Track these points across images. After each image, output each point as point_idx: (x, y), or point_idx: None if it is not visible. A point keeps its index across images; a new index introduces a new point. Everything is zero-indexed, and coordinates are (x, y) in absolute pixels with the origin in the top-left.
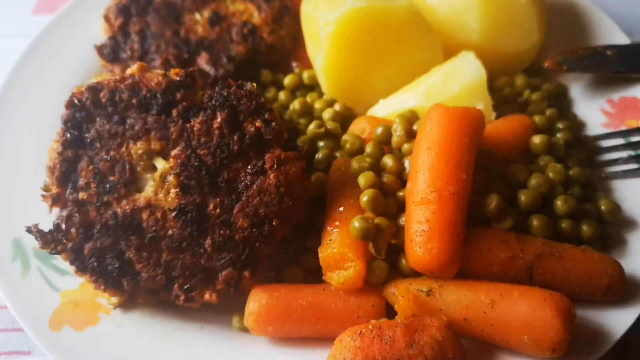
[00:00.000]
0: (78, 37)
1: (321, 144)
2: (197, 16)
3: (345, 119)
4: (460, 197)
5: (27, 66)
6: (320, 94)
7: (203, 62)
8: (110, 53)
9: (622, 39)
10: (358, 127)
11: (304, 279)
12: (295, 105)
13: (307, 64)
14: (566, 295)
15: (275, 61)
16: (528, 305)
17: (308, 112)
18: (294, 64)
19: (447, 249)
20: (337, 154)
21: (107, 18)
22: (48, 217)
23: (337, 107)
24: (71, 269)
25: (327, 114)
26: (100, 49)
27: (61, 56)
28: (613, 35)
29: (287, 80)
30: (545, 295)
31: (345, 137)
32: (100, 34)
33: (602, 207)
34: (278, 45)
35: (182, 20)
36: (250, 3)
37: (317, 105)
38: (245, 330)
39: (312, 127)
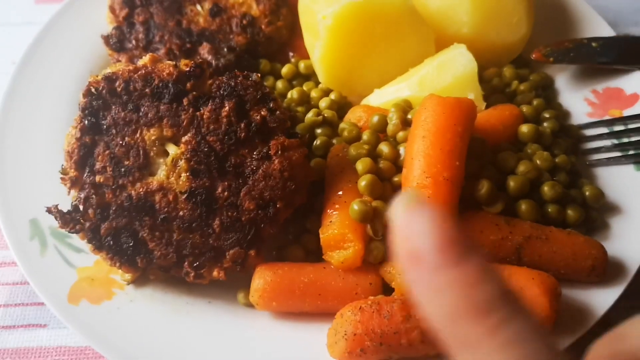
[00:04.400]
0: (85, 26)
1: (319, 131)
2: (199, 7)
3: (341, 107)
4: (454, 183)
5: (38, 53)
6: (317, 83)
7: (205, 52)
8: (117, 43)
9: (607, 31)
10: (354, 115)
11: (304, 258)
12: (294, 94)
13: (303, 54)
14: (552, 275)
15: (273, 51)
16: (517, 283)
17: (305, 101)
18: (291, 54)
19: None
20: (334, 141)
21: (112, 9)
22: (63, 199)
23: (333, 96)
24: (86, 247)
25: (323, 103)
26: (107, 39)
27: (70, 44)
28: (598, 27)
29: (285, 69)
30: (533, 275)
31: (342, 125)
32: (104, 23)
33: (587, 193)
34: (276, 36)
35: (184, 12)
36: None
37: (314, 94)
38: (249, 305)
39: (310, 115)
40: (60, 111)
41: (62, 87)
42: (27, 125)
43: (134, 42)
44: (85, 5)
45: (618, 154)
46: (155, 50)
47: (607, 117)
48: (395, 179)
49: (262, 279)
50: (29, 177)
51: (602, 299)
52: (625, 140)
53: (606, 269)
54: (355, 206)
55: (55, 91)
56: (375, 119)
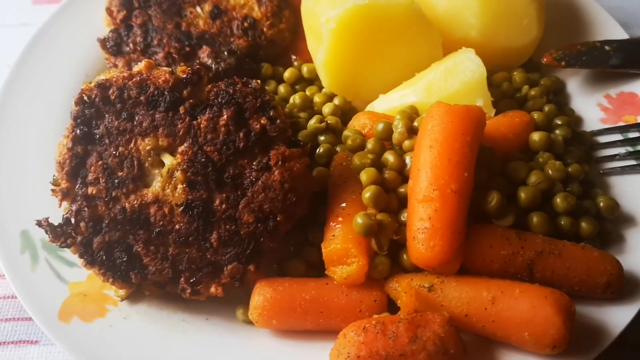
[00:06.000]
0: (81, 29)
1: (322, 138)
2: (198, 10)
3: (345, 113)
4: (462, 195)
5: (32, 57)
6: (320, 88)
7: (204, 55)
8: (114, 46)
9: (621, 34)
10: (359, 122)
11: (305, 272)
12: (296, 99)
13: (306, 58)
14: (565, 292)
15: (275, 54)
16: (529, 302)
17: (308, 106)
18: (293, 58)
19: (449, 246)
20: (338, 149)
21: (109, 11)
22: (55, 210)
23: (336, 101)
24: (79, 261)
25: (327, 109)
26: (103, 42)
27: (65, 48)
28: (611, 30)
29: (287, 73)
30: (546, 293)
31: (346, 132)
32: (102, 25)
33: (601, 204)
34: (278, 39)
35: (184, 14)
36: None
37: (317, 99)
38: (248, 322)
39: (313, 121)
40: (54, 118)
41: (57, 93)
42: (20, 132)
43: (131, 45)
44: (83, 6)
45: (633, 162)
46: (154, 54)
47: (621, 124)
48: (401, 189)
49: (261, 295)
50: (21, 187)
51: (618, 317)
52: None
53: (622, 285)
54: (359, 219)
55: (50, 97)
56: (380, 126)
